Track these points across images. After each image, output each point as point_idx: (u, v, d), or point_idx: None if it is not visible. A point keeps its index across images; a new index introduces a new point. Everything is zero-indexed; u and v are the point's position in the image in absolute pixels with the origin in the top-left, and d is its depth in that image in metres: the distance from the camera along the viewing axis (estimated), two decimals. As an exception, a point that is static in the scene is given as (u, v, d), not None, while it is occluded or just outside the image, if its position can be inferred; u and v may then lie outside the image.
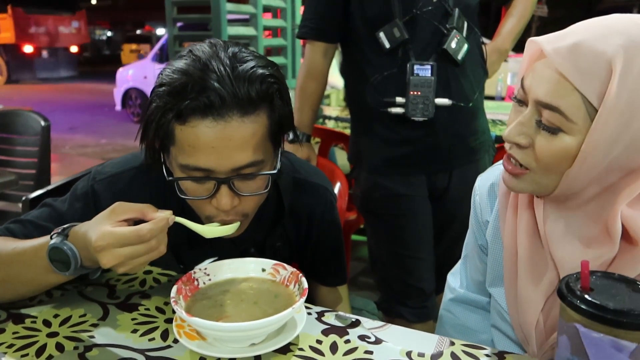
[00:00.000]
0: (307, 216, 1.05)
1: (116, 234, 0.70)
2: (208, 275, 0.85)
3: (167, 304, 0.88)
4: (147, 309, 0.87)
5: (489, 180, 0.97)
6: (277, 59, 3.28)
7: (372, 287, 2.41)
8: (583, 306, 0.53)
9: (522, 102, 0.76)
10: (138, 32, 23.53)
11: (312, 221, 1.06)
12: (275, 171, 0.84)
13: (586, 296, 0.53)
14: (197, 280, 0.83)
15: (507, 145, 0.77)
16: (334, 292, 1.16)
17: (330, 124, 2.50)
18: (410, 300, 1.65)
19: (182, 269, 1.00)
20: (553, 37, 0.72)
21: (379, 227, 1.67)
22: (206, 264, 0.87)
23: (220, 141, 0.75)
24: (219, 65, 0.75)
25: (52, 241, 0.76)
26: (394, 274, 1.67)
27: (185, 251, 0.99)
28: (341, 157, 2.52)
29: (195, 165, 0.77)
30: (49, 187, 1.27)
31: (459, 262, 1.09)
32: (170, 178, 0.82)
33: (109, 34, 33.63)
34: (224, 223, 0.84)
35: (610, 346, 0.49)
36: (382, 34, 1.47)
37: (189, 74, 0.74)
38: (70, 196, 0.95)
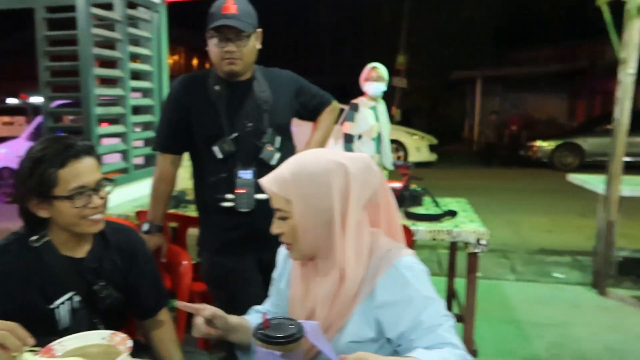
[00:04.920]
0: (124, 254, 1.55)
1: None
2: (64, 346, 1.23)
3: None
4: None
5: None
6: (145, 117, 3.57)
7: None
8: (259, 335, 1.02)
9: None
10: (10, 101, 20.84)
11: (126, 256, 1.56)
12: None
13: (260, 331, 1.03)
14: (53, 349, 1.21)
15: None
16: (157, 322, 1.60)
17: (191, 209, 2.91)
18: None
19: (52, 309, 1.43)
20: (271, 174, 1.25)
21: (220, 295, 2.09)
22: (64, 339, 1.24)
23: (85, 168, 1.37)
24: (67, 139, 1.39)
25: None
26: None
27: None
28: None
29: (79, 184, 1.36)
30: None
31: None
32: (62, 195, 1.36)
33: (-23, 104, 30.81)
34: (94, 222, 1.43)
35: (269, 354, 0.99)
36: (216, 148, 1.95)
37: (56, 143, 1.37)
38: None
